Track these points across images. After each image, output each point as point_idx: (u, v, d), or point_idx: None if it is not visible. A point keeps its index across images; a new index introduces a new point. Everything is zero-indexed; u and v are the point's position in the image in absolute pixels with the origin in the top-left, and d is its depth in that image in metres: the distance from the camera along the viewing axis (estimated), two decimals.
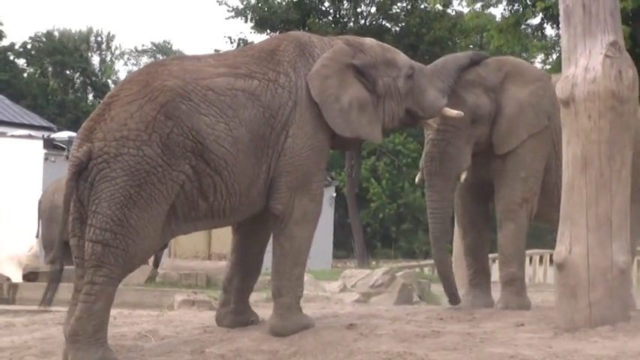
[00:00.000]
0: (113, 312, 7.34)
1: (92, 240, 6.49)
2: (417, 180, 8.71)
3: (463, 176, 8.35)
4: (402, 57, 7.86)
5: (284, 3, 28.69)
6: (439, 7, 27.45)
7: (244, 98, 6.94)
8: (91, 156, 6.50)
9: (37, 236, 17.62)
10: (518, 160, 8.50)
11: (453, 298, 8.57)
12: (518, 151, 8.49)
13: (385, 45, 7.91)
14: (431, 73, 8.01)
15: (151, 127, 6.56)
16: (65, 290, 6.83)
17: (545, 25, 21.59)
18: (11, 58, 55.94)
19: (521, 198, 8.53)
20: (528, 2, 21.08)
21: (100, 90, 56.51)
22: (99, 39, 66.92)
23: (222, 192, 6.85)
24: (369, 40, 7.84)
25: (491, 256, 9.33)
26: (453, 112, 7.94)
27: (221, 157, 6.75)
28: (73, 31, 64.46)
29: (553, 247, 7.20)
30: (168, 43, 68.72)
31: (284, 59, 7.29)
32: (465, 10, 26.07)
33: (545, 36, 23.19)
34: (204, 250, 25.64)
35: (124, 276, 6.70)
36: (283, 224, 7.22)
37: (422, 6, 28.24)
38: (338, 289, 12.22)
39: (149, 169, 6.51)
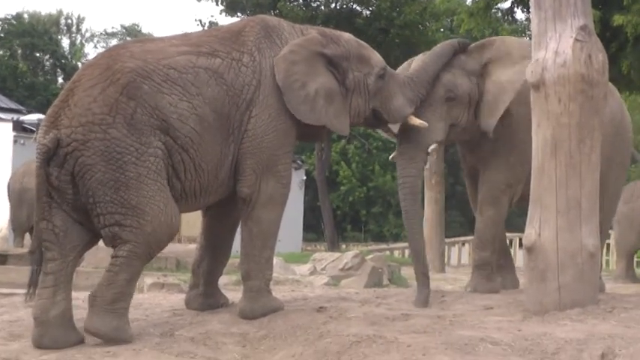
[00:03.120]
0: (81, 295, 7.31)
1: (106, 225, 6.54)
2: (391, 157, 8.58)
3: (432, 147, 8.20)
4: (377, 57, 7.86)
5: None
6: None
7: (207, 76, 6.93)
8: (60, 143, 6.47)
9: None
10: (508, 144, 8.49)
11: (424, 280, 8.01)
12: (510, 135, 8.45)
13: (363, 43, 7.88)
14: (402, 81, 7.97)
15: (115, 110, 6.53)
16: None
17: (515, 9, 21.50)
18: None
19: (506, 184, 8.58)
20: None
21: (70, 72, 55.84)
22: (69, 21, 66.40)
23: (191, 171, 6.84)
24: (348, 35, 7.84)
25: (461, 239, 9.29)
26: (417, 121, 7.93)
27: (186, 135, 6.74)
28: (43, 13, 63.99)
29: (523, 230, 7.21)
30: (138, 26, 68.29)
31: (248, 40, 7.28)
32: None
33: (516, 20, 23.18)
34: None
35: (151, 253, 6.70)
36: (250, 207, 7.22)
37: None
38: (308, 272, 12.26)
39: (120, 150, 6.48)
